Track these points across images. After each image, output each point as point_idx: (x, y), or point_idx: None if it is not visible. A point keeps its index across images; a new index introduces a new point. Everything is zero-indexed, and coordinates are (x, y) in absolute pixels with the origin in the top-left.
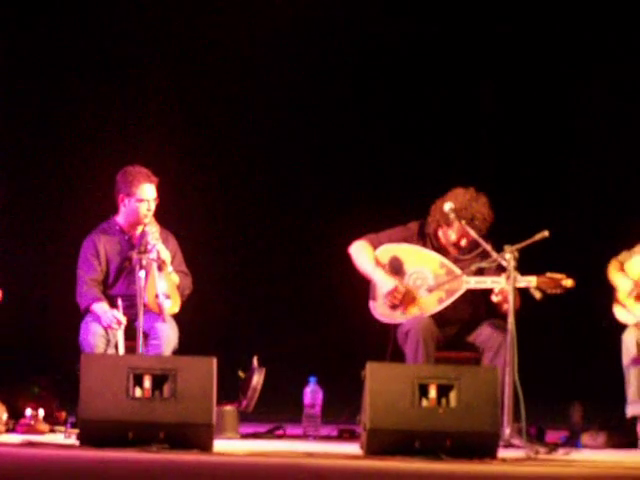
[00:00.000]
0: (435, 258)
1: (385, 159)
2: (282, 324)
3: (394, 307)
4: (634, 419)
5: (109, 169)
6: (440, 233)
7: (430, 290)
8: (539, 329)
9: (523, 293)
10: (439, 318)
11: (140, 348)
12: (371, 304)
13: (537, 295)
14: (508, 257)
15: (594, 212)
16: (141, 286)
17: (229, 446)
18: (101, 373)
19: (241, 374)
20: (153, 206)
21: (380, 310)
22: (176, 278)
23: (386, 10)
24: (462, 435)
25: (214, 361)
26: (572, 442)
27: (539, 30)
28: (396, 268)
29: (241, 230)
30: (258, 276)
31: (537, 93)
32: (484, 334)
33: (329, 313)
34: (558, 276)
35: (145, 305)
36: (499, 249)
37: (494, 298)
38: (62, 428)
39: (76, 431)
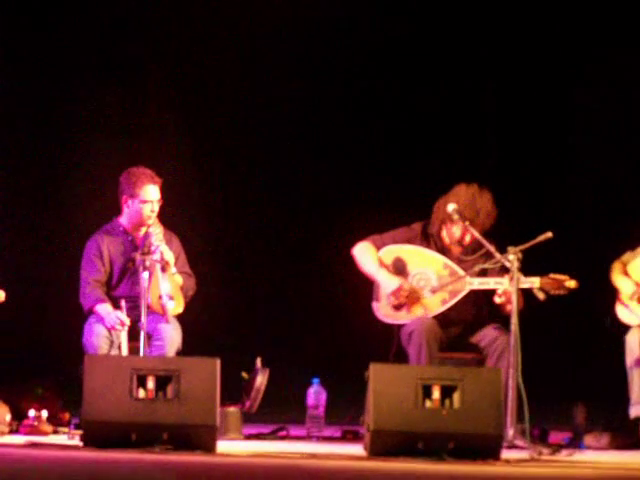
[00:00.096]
0: (438, 259)
1: (388, 160)
2: (286, 325)
3: (397, 308)
4: (637, 420)
5: (113, 170)
6: (444, 232)
7: (433, 291)
8: (542, 330)
9: (526, 294)
10: (442, 319)
11: (143, 349)
12: (374, 305)
13: (540, 296)
14: (512, 258)
15: (598, 213)
16: (144, 287)
17: (232, 447)
18: (104, 374)
19: (244, 375)
20: (157, 207)
21: (383, 311)
22: (180, 279)
23: (387, 9)
24: (465, 436)
25: (217, 362)
26: (575, 443)
27: (541, 27)
28: (399, 269)
29: (244, 231)
30: (261, 277)
31: (540, 93)
32: (488, 337)
33: (333, 314)
34: (561, 277)
35: (149, 306)
36: (503, 250)
37: (497, 299)
38: (65, 429)
39: (79, 432)
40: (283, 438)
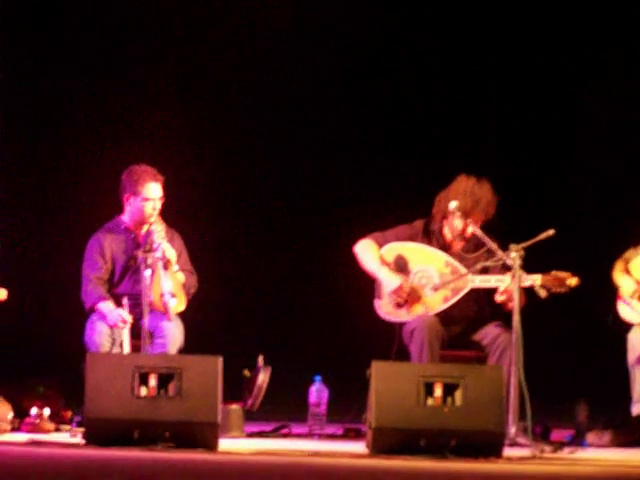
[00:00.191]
0: (440, 257)
1: (389, 158)
2: (287, 323)
3: (399, 306)
4: (639, 417)
5: (115, 168)
6: (445, 229)
7: (435, 289)
8: (544, 328)
9: (528, 292)
10: (444, 317)
11: (146, 347)
12: (376, 303)
13: (542, 294)
14: (514, 256)
15: (599, 211)
16: (147, 285)
17: (234, 445)
18: (107, 372)
19: (246, 373)
20: (159, 205)
21: (385, 309)
22: (182, 277)
23: (387, 9)
24: (467, 434)
25: (219, 360)
26: (577, 441)
27: (542, 26)
28: (401, 267)
29: (247, 229)
30: (264, 274)
31: (541, 91)
32: (490, 335)
33: (335, 312)
34: (563, 275)
35: (151, 304)
36: (504, 248)
37: (498, 297)
38: (68, 427)
39: (82, 430)
40: (285, 436)
